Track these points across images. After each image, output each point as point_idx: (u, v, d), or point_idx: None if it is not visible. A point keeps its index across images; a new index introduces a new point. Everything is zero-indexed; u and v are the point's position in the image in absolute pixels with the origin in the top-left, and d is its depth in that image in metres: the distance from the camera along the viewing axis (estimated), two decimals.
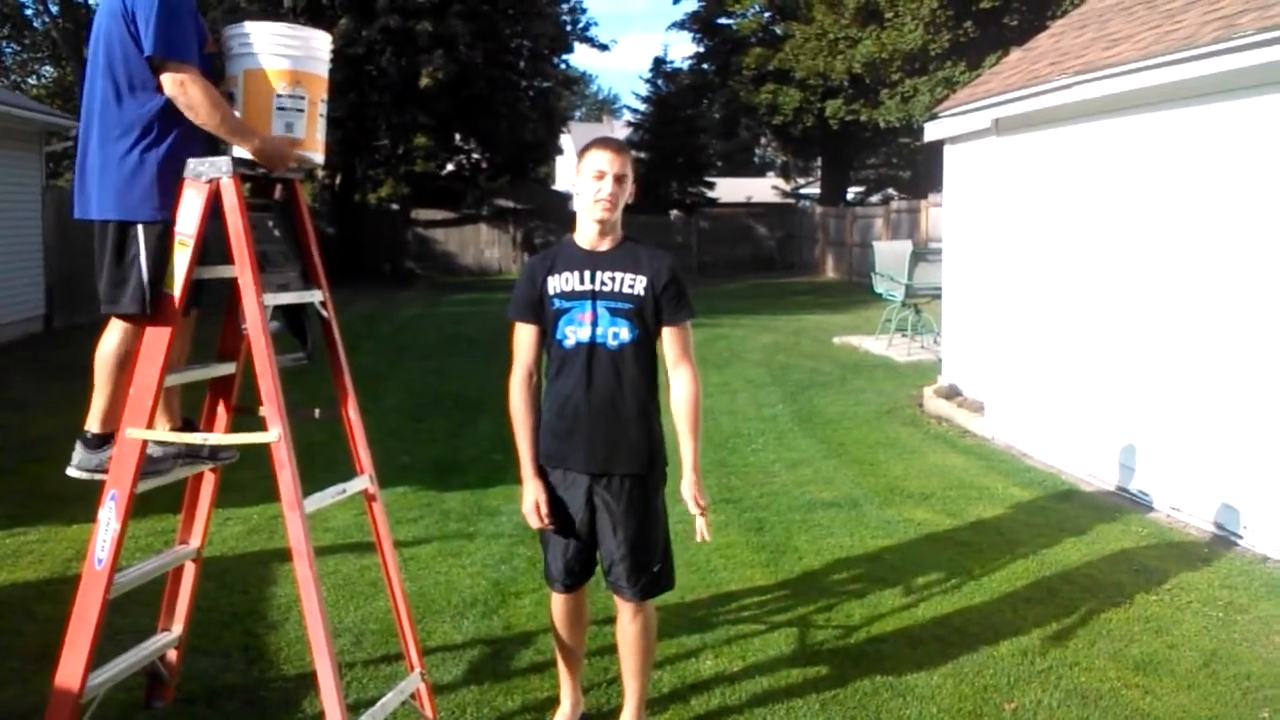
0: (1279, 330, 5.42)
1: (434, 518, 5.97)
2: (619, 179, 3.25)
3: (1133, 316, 6.63)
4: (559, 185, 49.10)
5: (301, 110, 3.17)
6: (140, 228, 3.05)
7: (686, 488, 3.31)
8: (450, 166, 29.68)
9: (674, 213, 31.71)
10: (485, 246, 29.28)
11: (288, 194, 3.39)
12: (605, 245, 3.31)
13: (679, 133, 32.73)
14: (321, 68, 3.25)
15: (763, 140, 41.45)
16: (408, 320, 17.85)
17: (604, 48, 32.15)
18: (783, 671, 3.99)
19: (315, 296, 3.35)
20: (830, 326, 15.33)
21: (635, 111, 37.28)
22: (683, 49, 71.67)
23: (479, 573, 5.05)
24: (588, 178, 3.25)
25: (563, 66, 31.47)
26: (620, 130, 48.43)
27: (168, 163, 3.05)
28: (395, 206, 28.66)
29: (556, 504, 3.34)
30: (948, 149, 9.79)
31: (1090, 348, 7.09)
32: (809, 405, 9.77)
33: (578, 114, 65.24)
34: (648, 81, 35.57)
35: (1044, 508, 6.41)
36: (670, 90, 34.61)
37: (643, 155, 34.34)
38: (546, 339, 3.33)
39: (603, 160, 3.24)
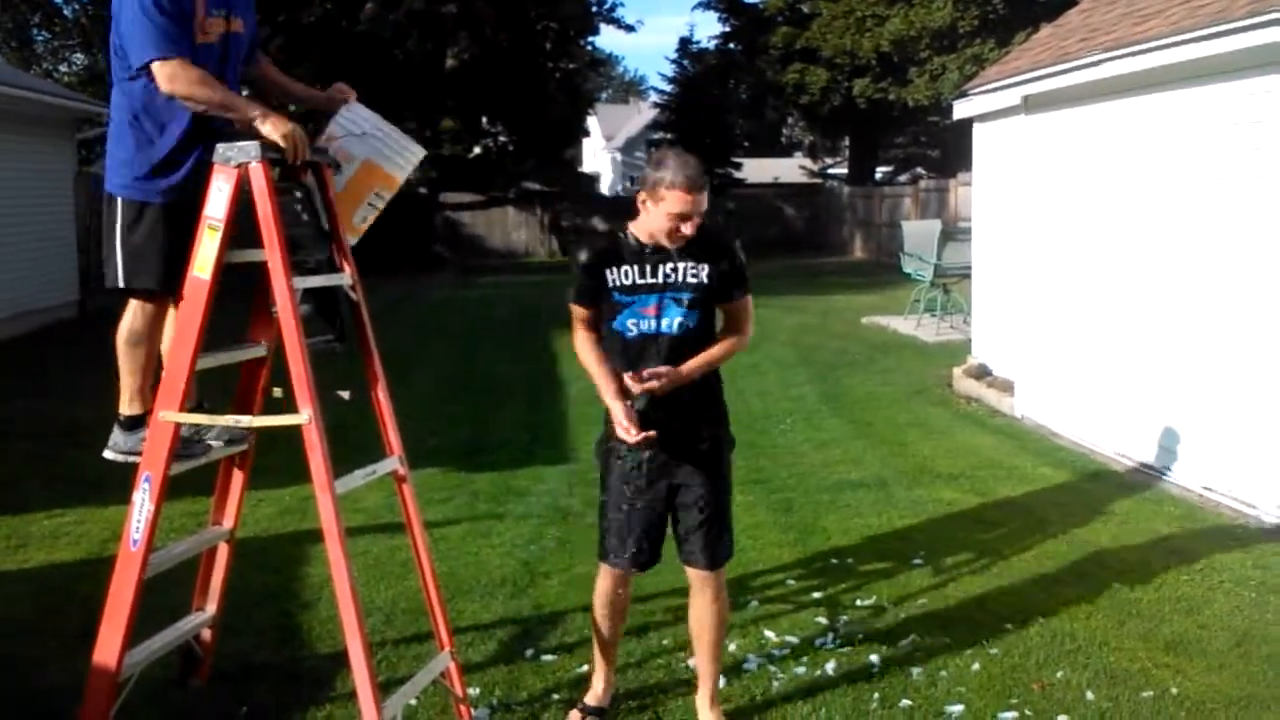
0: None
1: (463, 498, 6.02)
2: (701, 212, 3.23)
3: (1165, 294, 6.56)
4: (585, 167, 49.10)
5: (377, 208, 3.50)
6: (120, 201, 3.17)
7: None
8: (477, 149, 29.69)
9: None
10: (513, 229, 29.27)
11: (317, 178, 3.41)
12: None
13: (706, 113, 32.52)
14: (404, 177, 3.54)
15: (790, 120, 41.15)
16: (436, 304, 17.93)
17: (630, 29, 31.94)
18: (810, 651, 4.00)
19: (344, 280, 3.38)
20: (858, 306, 15.26)
21: (661, 92, 37.12)
22: (709, 29, 71.41)
23: (508, 553, 5.09)
24: (665, 214, 3.19)
25: (589, 48, 31.39)
26: (647, 111, 48.37)
27: (153, 140, 3.14)
28: (423, 190, 28.71)
29: (621, 481, 3.40)
30: (977, 127, 9.71)
31: (1122, 326, 7.03)
32: (837, 385, 9.75)
33: (604, 95, 65.07)
34: (674, 62, 35.34)
35: (1074, 487, 6.37)
36: (696, 71, 34.41)
37: (669, 136, 34.24)
38: (605, 324, 3.36)
39: (688, 204, 3.17)
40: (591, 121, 39.13)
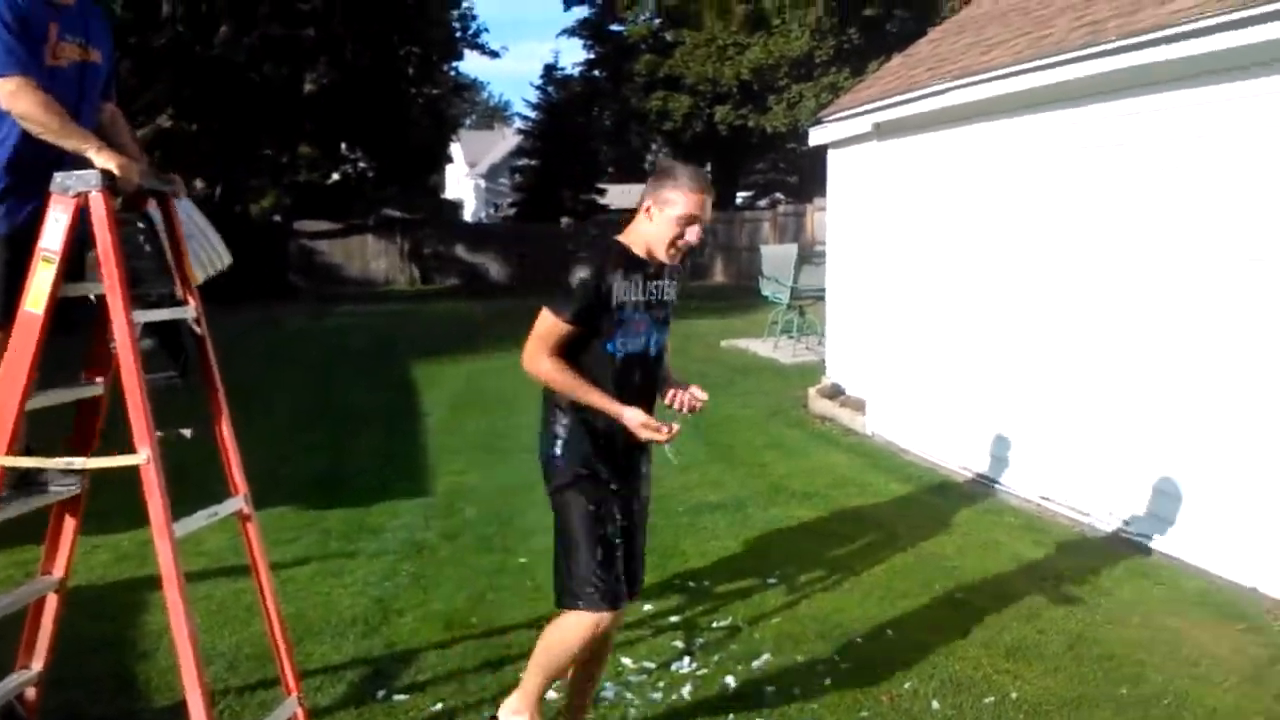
0: (1138, 327, 5.67)
1: (314, 537, 5.85)
2: (703, 226, 3.16)
3: (1004, 316, 6.87)
4: (449, 194, 48.66)
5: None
6: None
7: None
8: (336, 176, 29.18)
9: (565, 220, 31.71)
10: (372, 258, 28.75)
11: (162, 209, 3.30)
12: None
13: (570, 140, 32.73)
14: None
15: (654, 146, 41.69)
16: (290, 334, 17.50)
17: (494, 54, 32.01)
18: (667, 675, 4.02)
19: (188, 313, 3.27)
20: (719, 330, 15.51)
21: (526, 119, 37.23)
22: (574, 56, 71.81)
23: (360, 591, 4.96)
24: (672, 218, 3.08)
25: (452, 73, 31.26)
26: (511, 137, 48.28)
27: None
28: (278, 218, 27.99)
29: (609, 513, 3.17)
30: (831, 153, 9.99)
31: (963, 345, 7.32)
32: None
33: (468, 121, 64.75)
34: (539, 88, 35.52)
35: (921, 501, 6.59)
36: (561, 97, 34.60)
37: (533, 163, 34.29)
38: (594, 344, 3.11)
39: (695, 205, 3.07)
40: (455, 148, 38.92)
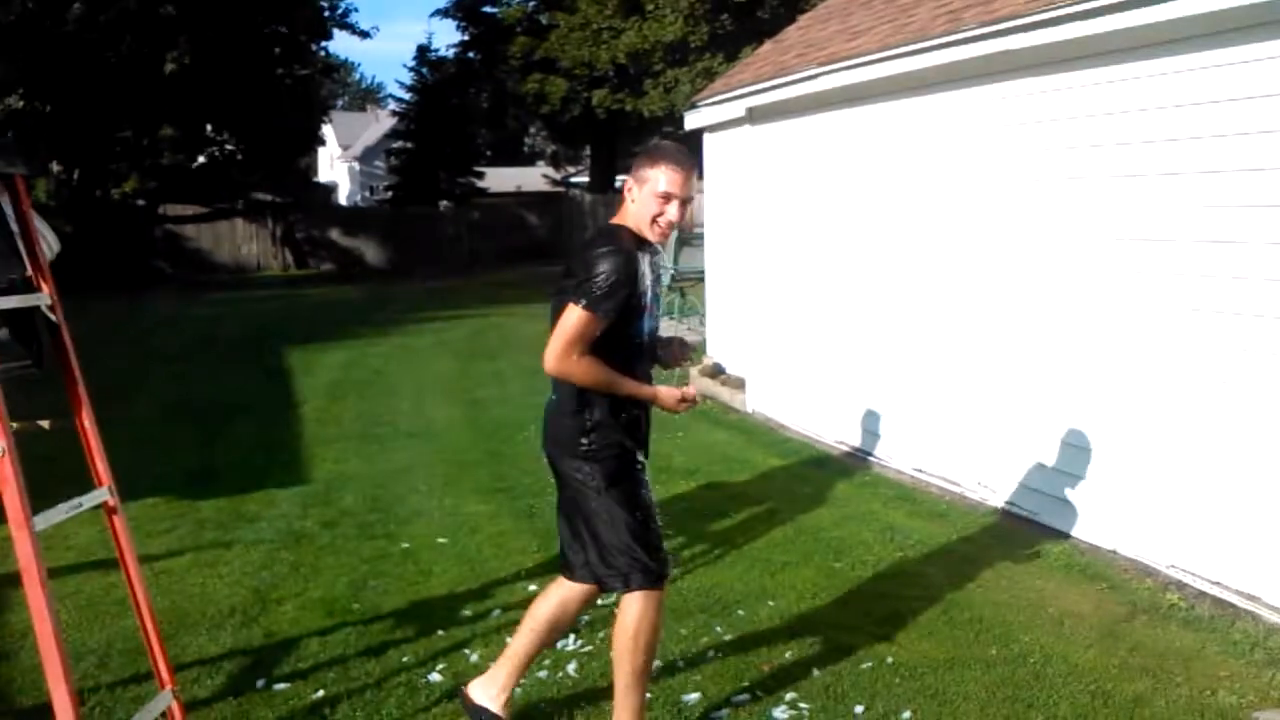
0: (1001, 305, 5.90)
1: (188, 528, 5.68)
2: (684, 202, 3.13)
3: (875, 295, 7.06)
4: (321, 177, 47.50)
5: None
6: None
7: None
8: (201, 159, 28.15)
9: (443, 204, 31.29)
10: (243, 243, 27.87)
11: (11, 192, 3.14)
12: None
13: (446, 123, 32.26)
14: None
15: (531, 130, 41.47)
16: (158, 323, 16.87)
17: (366, 35, 31.26)
18: (552, 654, 4.03)
19: (42, 299, 3.12)
20: None
21: (401, 101, 36.49)
22: (448, 37, 70.77)
23: (238, 582, 4.85)
24: (651, 194, 3.10)
25: (322, 54, 30.46)
26: (386, 120, 47.33)
27: None
28: (141, 202, 26.87)
29: (641, 488, 3.26)
30: (706, 137, 10.08)
31: (839, 324, 7.50)
32: None
33: (340, 103, 63.24)
34: (412, 70, 34.86)
35: (800, 475, 6.75)
36: (435, 79, 34.04)
37: (409, 145, 33.69)
38: (614, 331, 3.08)
39: (673, 183, 3.09)
40: (327, 130, 37.93)
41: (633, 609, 3.20)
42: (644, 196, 3.12)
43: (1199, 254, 4.64)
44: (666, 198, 3.10)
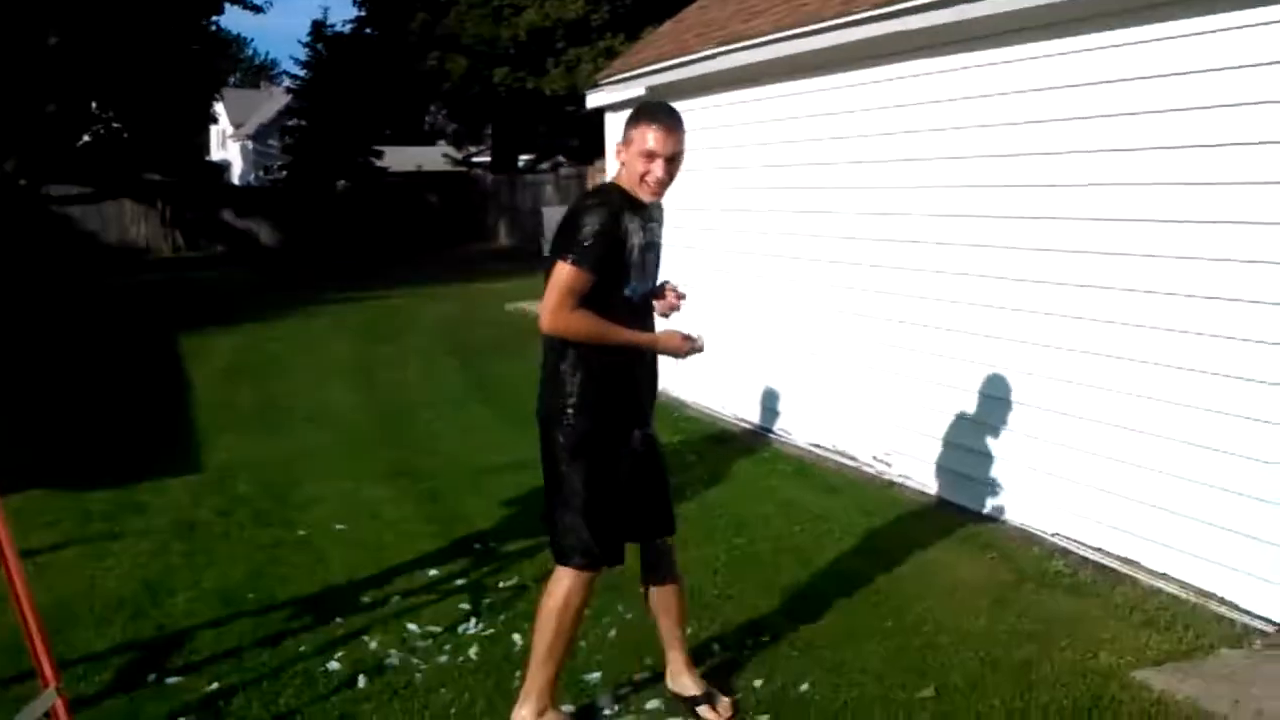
0: (891, 282, 6.01)
1: (74, 519, 5.49)
2: (670, 160, 3.11)
3: (773, 275, 7.14)
4: (213, 156, 46.10)
5: None
6: None
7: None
8: (86, 137, 27.06)
9: (340, 183, 30.64)
10: (131, 224, 26.90)
11: None
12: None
13: (343, 100, 31.55)
14: None
15: (432, 109, 40.79)
16: (40, 307, 16.21)
17: (258, 9, 30.30)
18: (454, 639, 4.01)
19: None
20: (503, 293, 15.41)
21: (295, 77, 35.58)
22: (344, 12, 69.11)
23: (127, 574, 4.71)
24: (637, 154, 3.11)
25: (213, 28, 29.49)
26: (280, 97, 46.10)
27: None
28: (22, 181, 25.73)
29: (612, 473, 3.23)
30: (608, 116, 10.03)
31: (737, 304, 7.57)
32: (481, 372, 9.82)
33: (232, 80, 61.37)
34: (307, 46, 33.99)
35: (702, 451, 6.81)
36: (331, 55, 33.25)
37: (304, 124, 32.91)
38: (604, 289, 3.09)
39: (652, 140, 3.08)
40: (218, 107, 36.84)
41: (560, 586, 3.23)
42: (631, 157, 3.15)
43: (1076, 231, 4.80)
44: (650, 156, 3.10)
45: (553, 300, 3.06)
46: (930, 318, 5.75)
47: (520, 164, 33.97)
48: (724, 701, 3.48)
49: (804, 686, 3.64)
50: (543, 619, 3.24)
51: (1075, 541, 4.88)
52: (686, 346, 3.24)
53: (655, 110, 3.22)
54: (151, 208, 27.15)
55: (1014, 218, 5.17)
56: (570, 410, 3.20)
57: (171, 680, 3.68)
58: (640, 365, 3.32)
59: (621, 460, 3.27)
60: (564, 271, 3.04)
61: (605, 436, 3.23)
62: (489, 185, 29.87)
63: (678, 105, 8.08)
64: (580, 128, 31.68)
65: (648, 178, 3.14)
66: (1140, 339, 4.52)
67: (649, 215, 3.24)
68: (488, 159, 36.18)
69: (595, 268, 3.04)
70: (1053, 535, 5.01)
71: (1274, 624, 4.01)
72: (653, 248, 3.29)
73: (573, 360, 3.17)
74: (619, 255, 3.10)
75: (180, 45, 26.42)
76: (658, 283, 3.40)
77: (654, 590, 3.50)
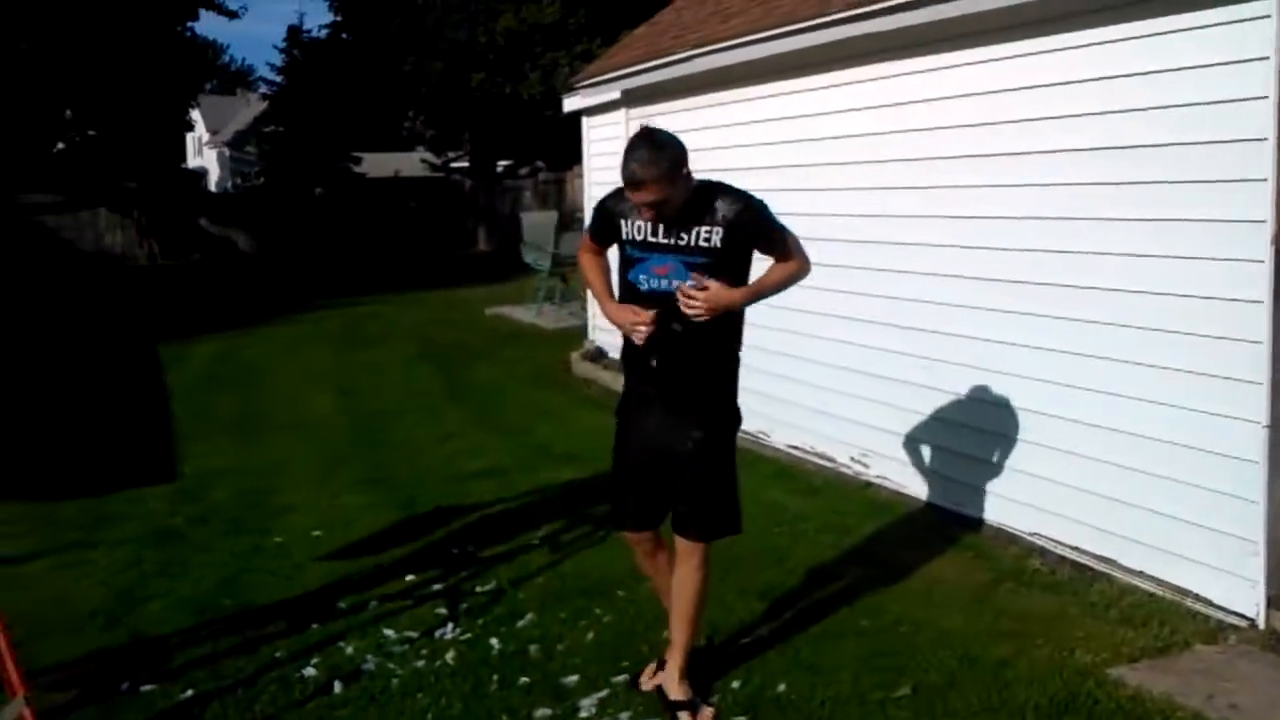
0: (865, 285, 6.02)
1: (47, 529, 5.44)
2: (654, 204, 3.16)
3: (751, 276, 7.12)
4: (189, 163, 45.82)
5: None
6: None
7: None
8: (61, 145, 26.86)
9: (318, 189, 30.51)
10: (107, 232, 26.67)
11: None
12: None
13: (320, 106, 31.42)
14: None
15: (410, 113, 40.66)
16: (16, 315, 16.05)
17: (234, 15, 30.20)
18: (430, 644, 3.99)
19: None
20: (482, 298, 15.39)
21: (272, 84, 35.39)
22: (320, 18, 68.83)
23: (101, 582, 4.66)
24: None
25: (188, 34, 29.36)
26: (256, 103, 45.84)
27: None
28: None
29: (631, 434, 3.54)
30: (585, 121, 10.07)
31: None
32: (460, 377, 9.79)
33: (208, 86, 61.01)
34: (283, 51, 33.83)
35: None
36: (307, 61, 33.11)
37: (280, 130, 32.76)
38: (620, 275, 3.43)
39: (636, 198, 3.21)
40: (195, 114, 36.63)
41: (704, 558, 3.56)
42: None
43: (1052, 231, 4.82)
44: (631, 192, 3.22)
45: (580, 246, 3.71)
46: (907, 319, 5.76)
47: (499, 169, 33.93)
48: (705, 711, 3.47)
49: (781, 686, 3.64)
50: (697, 597, 3.50)
51: (1053, 540, 4.90)
52: (629, 319, 3.32)
53: (628, 164, 3.19)
54: (127, 216, 26.92)
55: (990, 218, 5.18)
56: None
57: (145, 688, 3.65)
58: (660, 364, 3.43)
59: (632, 415, 3.53)
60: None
61: (628, 392, 3.58)
62: (467, 191, 29.79)
63: (654, 107, 8.20)
64: (558, 132, 31.72)
65: (639, 205, 3.25)
66: (1116, 338, 4.54)
67: (677, 220, 3.32)
68: (466, 164, 36.11)
69: (591, 235, 3.59)
70: (1031, 534, 5.02)
71: (1248, 620, 4.03)
72: (674, 251, 3.32)
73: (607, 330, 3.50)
74: (612, 236, 3.47)
75: (155, 51, 26.27)
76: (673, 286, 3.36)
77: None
